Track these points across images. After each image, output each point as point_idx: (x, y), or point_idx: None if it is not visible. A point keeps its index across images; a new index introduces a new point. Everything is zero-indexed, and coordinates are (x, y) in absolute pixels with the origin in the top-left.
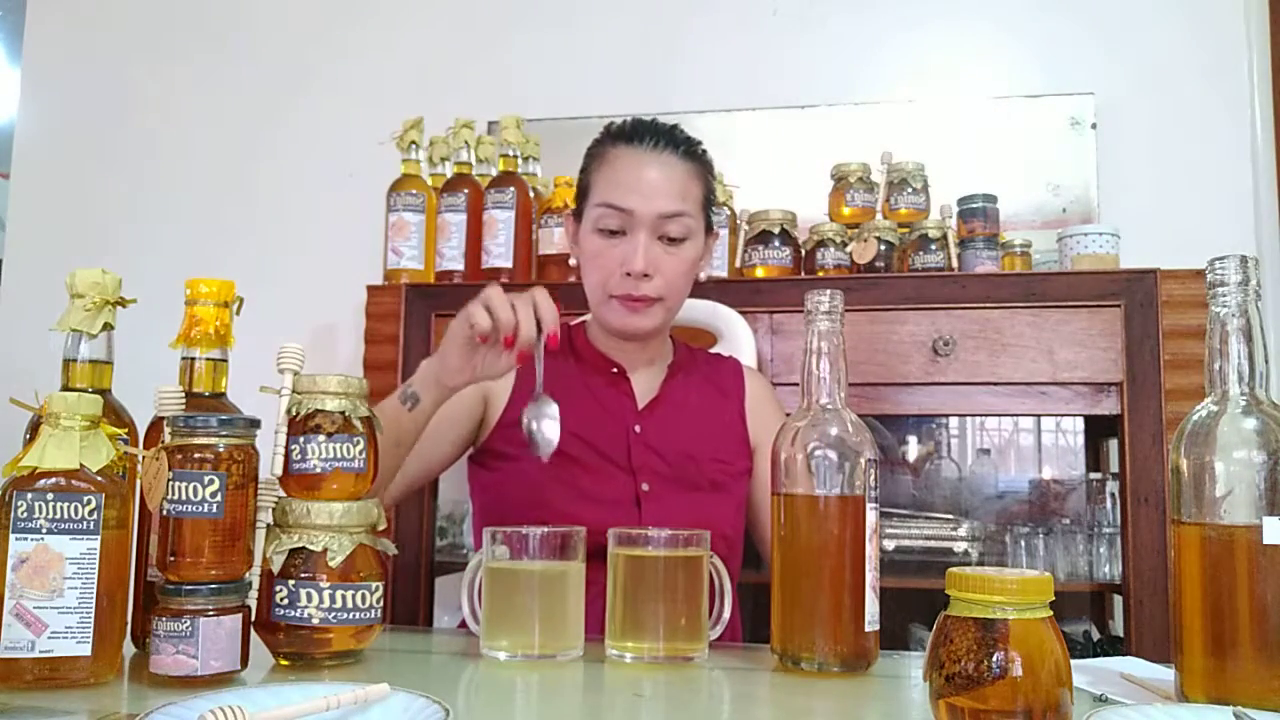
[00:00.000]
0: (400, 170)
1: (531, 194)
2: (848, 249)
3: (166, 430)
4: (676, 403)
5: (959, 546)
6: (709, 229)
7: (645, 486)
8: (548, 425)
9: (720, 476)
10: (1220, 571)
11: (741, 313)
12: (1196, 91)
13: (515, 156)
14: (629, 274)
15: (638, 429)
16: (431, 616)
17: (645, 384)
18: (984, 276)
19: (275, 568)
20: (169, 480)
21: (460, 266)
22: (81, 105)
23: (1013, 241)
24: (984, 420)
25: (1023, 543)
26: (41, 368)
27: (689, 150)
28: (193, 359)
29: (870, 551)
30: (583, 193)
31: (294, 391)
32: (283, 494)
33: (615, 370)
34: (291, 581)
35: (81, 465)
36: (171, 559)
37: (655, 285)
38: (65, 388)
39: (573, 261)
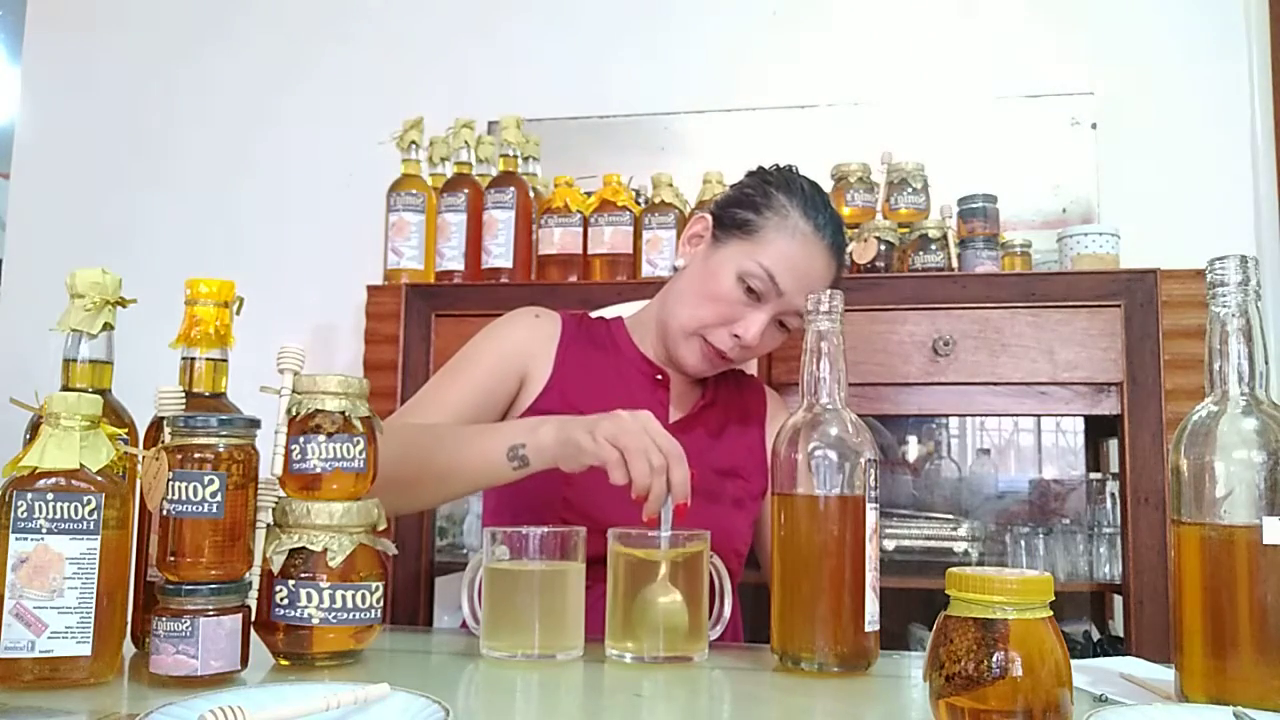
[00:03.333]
0: (400, 170)
1: (531, 194)
2: (848, 249)
3: (166, 430)
4: (707, 420)
5: (959, 546)
6: None
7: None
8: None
9: (741, 495)
10: (1220, 571)
11: None
12: (1196, 91)
13: (515, 156)
14: (736, 335)
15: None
16: (431, 616)
17: (681, 396)
18: (984, 276)
19: (275, 568)
20: (169, 480)
21: (460, 266)
22: (81, 105)
23: (1013, 241)
24: (984, 420)
25: (1023, 543)
26: (41, 368)
27: (842, 259)
28: (193, 359)
29: (870, 551)
30: (742, 227)
31: (294, 391)
32: (283, 494)
33: (660, 377)
34: (291, 581)
35: (81, 465)
36: (171, 559)
37: (745, 355)
38: (65, 388)
39: (679, 262)
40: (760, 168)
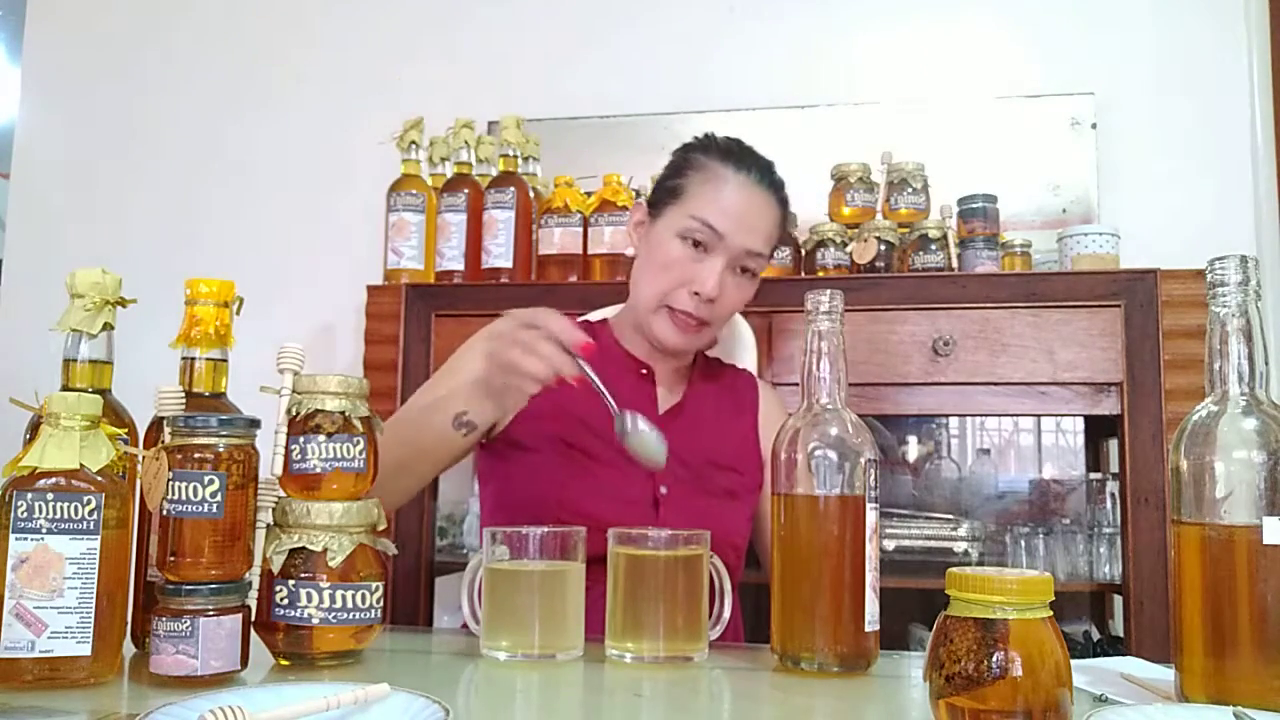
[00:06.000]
0: (400, 170)
1: (531, 194)
2: (848, 249)
3: (166, 430)
4: (696, 410)
5: (959, 546)
6: None
7: (664, 489)
8: (648, 436)
9: (735, 487)
10: (1220, 571)
11: (742, 312)
12: (1196, 91)
13: (515, 156)
14: (696, 293)
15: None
16: (431, 616)
17: (668, 388)
18: (984, 276)
19: (275, 568)
20: (169, 480)
21: (460, 266)
22: (81, 105)
23: (1013, 241)
24: (984, 420)
25: (1023, 543)
26: (41, 368)
27: (781, 195)
28: (193, 359)
29: (870, 551)
30: (671, 194)
31: (294, 391)
32: (283, 494)
33: (644, 371)
34: (291, 581)
35: (81, 465)
36: (171, 559)
37: (714, 310)
38: (65, 388)
39: (629, 251)
40: (683, 143)
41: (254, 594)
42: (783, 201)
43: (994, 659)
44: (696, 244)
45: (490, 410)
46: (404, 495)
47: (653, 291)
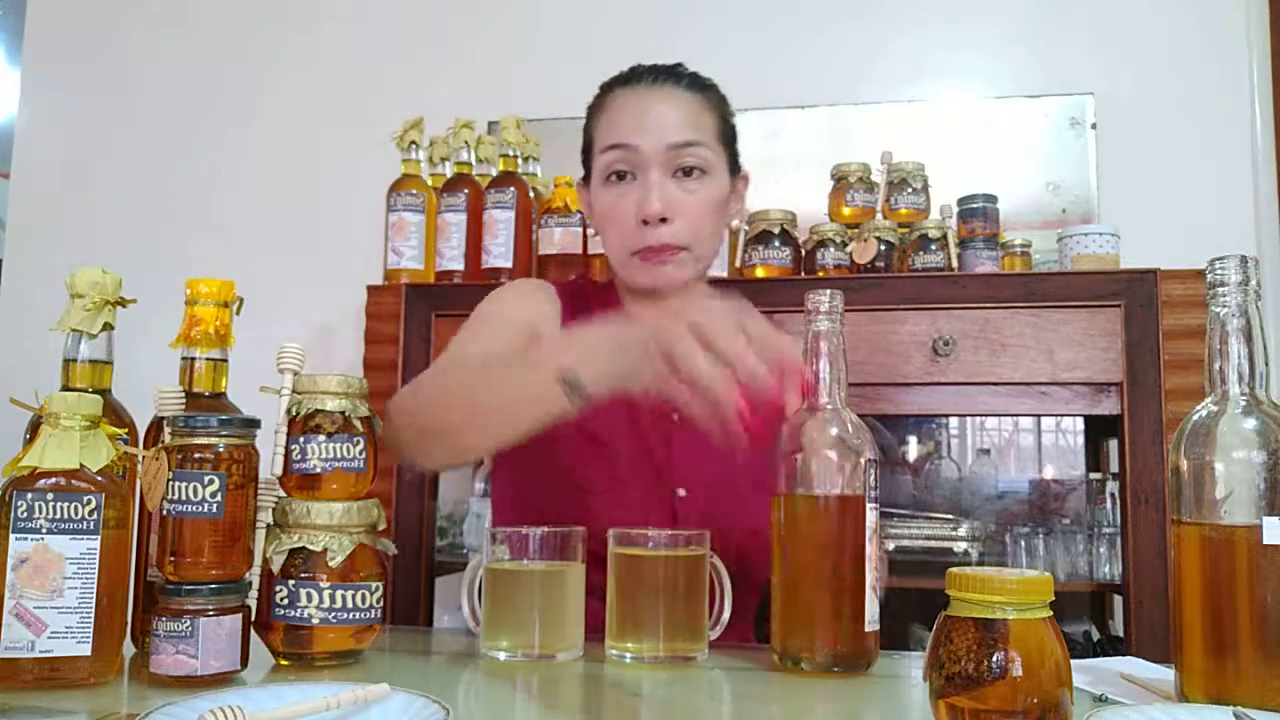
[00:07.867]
0: (400, 170)
1: (531, 194)
2: (848, 249)
3: (166, 430)
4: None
5: (959, 546)
6: (735, 169)
7: (681, 492)
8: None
9: (764, 473)
10: (1220, 571)
11: None
12: (1196, 92)
13: (515, 156)
14: (645, 222)
15: (676, 417)
16: (431, 616)
17: None
18: (984, 276)
19: (275, 568)
20: (169, 480)
21: (460, 266)
22: (81, 105)
23: (1013, 241)
24: (984, 420)
25: (1023, 543)
26: (41, 368)
27: (694, 82)
28: (193, 359)
29: (870, 551)
30: (586, 151)
31: (294, 391)
32: (283, 494)
33: None
34: (291, 581)
35: (81, 465)
36: (171, 559)
37: (676, 231)
38: (65, 388)
39: (594, 234)
40: None
41: (254, 594)
42: (697, 86)
43: (994, 659)
44: (620, 176)
45: (605, 376)
46: (467, 454)
47: (611, 247)
